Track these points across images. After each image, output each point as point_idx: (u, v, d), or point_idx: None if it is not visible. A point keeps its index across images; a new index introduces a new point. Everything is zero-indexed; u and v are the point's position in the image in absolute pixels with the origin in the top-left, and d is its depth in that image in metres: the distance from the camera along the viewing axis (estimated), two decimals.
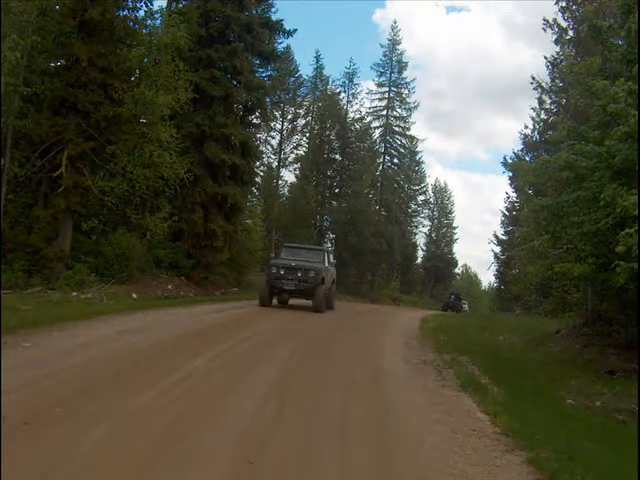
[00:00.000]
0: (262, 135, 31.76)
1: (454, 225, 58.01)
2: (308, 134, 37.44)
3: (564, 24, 18.76)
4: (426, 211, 52.96)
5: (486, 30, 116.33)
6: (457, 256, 59.16)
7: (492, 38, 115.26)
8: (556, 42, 19.31)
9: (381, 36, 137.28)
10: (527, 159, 24.06)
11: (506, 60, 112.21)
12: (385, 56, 42.56)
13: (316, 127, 37.20)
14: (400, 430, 4.64)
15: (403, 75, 42.82)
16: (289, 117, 35.91)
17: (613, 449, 4.79)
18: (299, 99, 36.78)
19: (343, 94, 38.78)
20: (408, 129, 43.17)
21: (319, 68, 38.34)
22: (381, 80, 42.78)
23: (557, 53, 19.45)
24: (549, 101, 21.86)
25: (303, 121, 37.63)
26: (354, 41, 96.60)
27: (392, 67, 42.44)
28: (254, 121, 22.37)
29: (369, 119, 41.62)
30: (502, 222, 35.13)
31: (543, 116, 23.00)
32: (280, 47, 24.43)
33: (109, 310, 9.88)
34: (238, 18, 18.25)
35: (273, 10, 23.20)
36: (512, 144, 35.12)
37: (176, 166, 14.75)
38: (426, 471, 3.72)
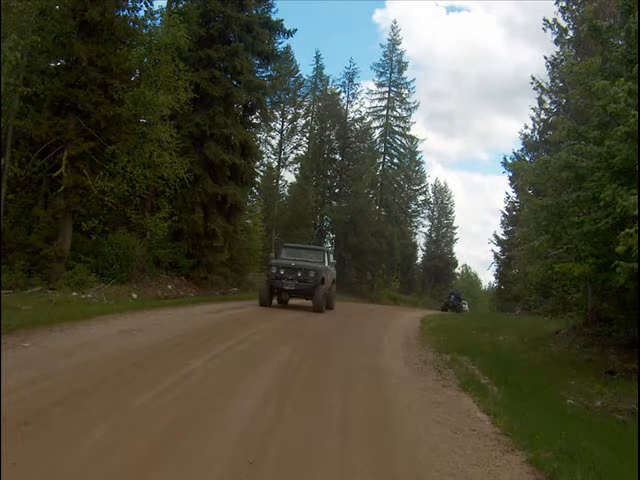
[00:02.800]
0: (262, 135, 31.83)
1: (454, 225, 58.21)
2: (308, 134, 37.44)
3: (564, 24, 18.86)
4: (426, 211, 53.18)
5: (486, 30, 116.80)
6: (457, 256, 59.34)
7: (492, 38, 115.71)
8: (556, 42, 19.40)
9: (381, 36, 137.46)
10: (527, 159, 24.05)
11: (506, 60, 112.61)
12: (385, 56, 42.79)
13: (316, 127, 37.20)
14: (400, 430, 4.63)
15: (403, 75, 43.10)
16: (289, 117, 35.92)
17: (613, 449, 4.79)
18: (299, 99, 36.77)
19: (343, 94, 38.91)
20: (408, 129, 43.38)
21: (319, 68, 38.43)
22: (381, 80, 43.00)
23: (557, 53, 19.54)
24: (549, 101, 21.96)
25: (303, 121, 37.70)
26: (354, 41, 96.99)
27: (392, 67, 42.64)
28: (254, 121, 22.37)
29: (369, 119, 41.81)
30: (502, 222, 35.11)
31: (543, 116, 23.07)
32: (280, 47, 24.54)
33: (109, 310, 9.87)
34: (238, 18, 18.26)
35: (273, 10, 23.24)
36: (512, 144, 35.16)
37: (176, 166, 14.73)
38: (426, 471, 3.72)
